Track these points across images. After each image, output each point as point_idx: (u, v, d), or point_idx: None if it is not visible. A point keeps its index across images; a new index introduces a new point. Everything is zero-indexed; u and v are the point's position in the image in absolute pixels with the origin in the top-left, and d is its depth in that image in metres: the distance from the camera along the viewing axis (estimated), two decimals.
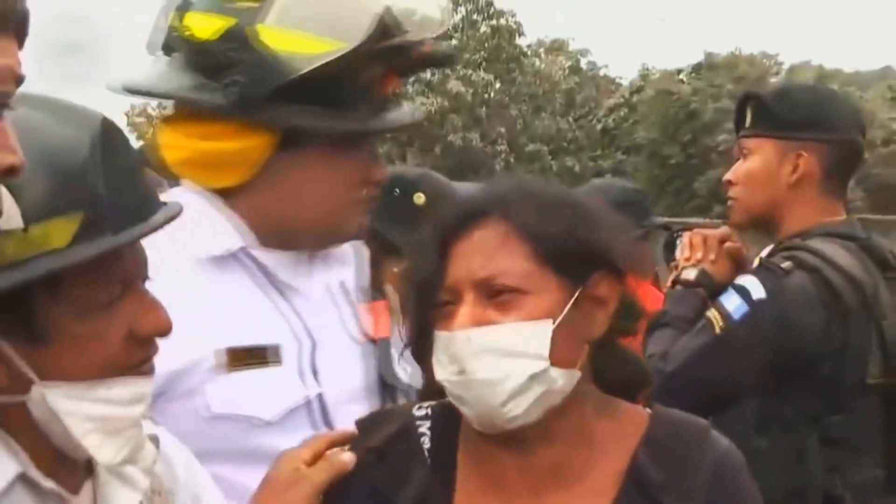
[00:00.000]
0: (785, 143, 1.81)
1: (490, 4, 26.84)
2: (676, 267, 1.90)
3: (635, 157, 29.09)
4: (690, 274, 1.84)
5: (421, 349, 0.98)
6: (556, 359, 0.90)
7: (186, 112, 1.27)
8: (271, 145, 1.21)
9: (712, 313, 1.73)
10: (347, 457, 0.98)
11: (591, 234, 0.93)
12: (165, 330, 0.91)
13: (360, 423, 1.03)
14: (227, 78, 1.17)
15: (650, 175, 27.06)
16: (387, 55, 1.21)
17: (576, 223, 0.93)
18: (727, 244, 1.86)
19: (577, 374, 0.92)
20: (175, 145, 1.27)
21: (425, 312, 0.95)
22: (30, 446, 0.86)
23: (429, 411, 1.02)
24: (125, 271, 0.89)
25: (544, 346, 0.90)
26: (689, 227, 2.07)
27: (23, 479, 0.86)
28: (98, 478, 0.93)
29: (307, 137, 1.22)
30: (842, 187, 1.88)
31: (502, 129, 26.04)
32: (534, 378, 0.89)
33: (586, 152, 28.96)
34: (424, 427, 1.00)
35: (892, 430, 1.74)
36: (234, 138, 1.21)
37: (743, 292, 1.72)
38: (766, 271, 1.74)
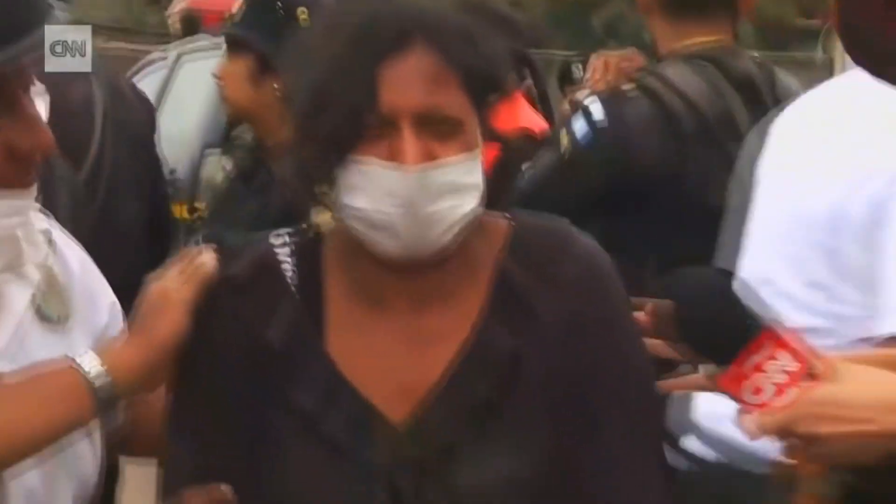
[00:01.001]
0: None
1: None
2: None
3: None
4: (581, 95, 1.87)
5: (326, 171, 0.93)
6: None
7: None
8: None
9: (563, 134, 1.80)
10: (207, 258, 0.97)
11: (497, 60, 0.95)
12: (46, 148, 0.95)
13: (218, 252, 1.00)
14: None
15: (546, 11, 26.81)
16: None
17: (485, 50, 0.93)
18: (626, 65, 1.85)
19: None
20: None
21: (345, 137, 0.90)
22: None
23: (287, 239, 1.01)
24: (12, 83, 0.92)
25: (480, 178, 0.94)
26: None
27: None
28: None
29: None
30: (702, 12, 1.81)
31: None
32: (472, 210, 0.93)
33: None
34: (284, 256, 1.00)
35: None
36: None
37: (587, 115, 1.76)
38: (610, 96, 1.77)
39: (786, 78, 1.89)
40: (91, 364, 0.96)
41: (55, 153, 1.01)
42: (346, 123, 0.90)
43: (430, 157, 0.90)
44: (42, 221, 1.07)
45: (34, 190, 0.98)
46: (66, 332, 1.06)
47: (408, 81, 0.90)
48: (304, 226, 1.02)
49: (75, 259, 1.10)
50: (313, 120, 0.92)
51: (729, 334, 0.81)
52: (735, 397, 0.82)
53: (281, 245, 1.01)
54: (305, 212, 1.02)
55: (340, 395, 0.95)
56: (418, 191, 0.90)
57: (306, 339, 0.97)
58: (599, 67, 1.88)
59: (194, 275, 0.98)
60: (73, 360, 0.96)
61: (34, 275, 1.02)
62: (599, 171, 1.76)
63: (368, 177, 0.91)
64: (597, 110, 1.76)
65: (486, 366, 0.96)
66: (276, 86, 1.42)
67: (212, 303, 0.97)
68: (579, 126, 1.77)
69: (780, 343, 0.80)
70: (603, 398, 0.96)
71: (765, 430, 0.81)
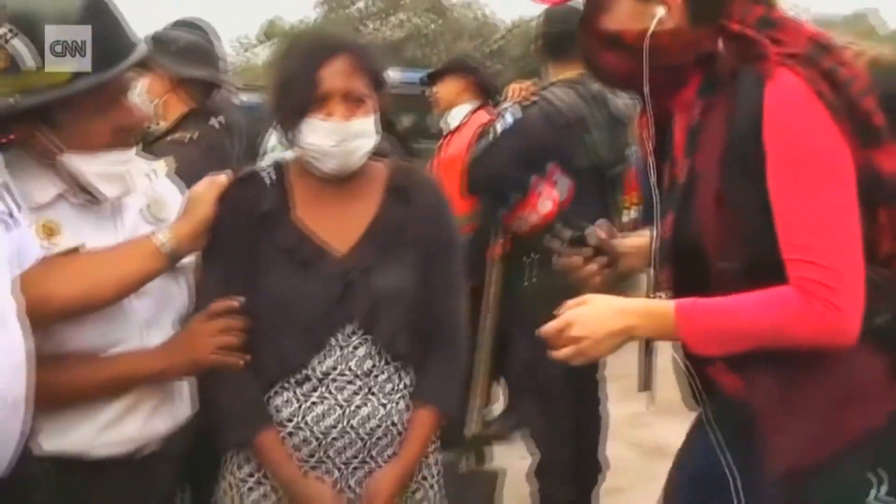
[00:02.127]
0: None
1: None
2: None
3: None
4: (503, 106, 3.14)
5: (292, 126, 1.56)
6: None
7: None
8: None
9: (492, 127, 2.86)
10: (222, 178, 1.61)
11: (380, 68, 1.61)
12: (139, 122, 1.60)
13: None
14: None
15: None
16: None
17: (375, 62, 1.61)
18: (527, 89, 3.12)
19: None
20: None
21: (302, 108, 1.52)
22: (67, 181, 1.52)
23: (265, 166, 1.69)
24: (116, 90, 1.51)
25: (374, 130, 1.58)
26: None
27: (61, 196, 1.52)
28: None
29: None
30: (568, 57, 2.78)
31: None
32: (370, 147, 1.58)
33: None
34: (264, 174, 1.64)
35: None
36: None
37: (506, 117, 2.85)
38: (520, 105, 2.88)
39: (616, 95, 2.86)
40: (160, 234, 1.53)
41: (140, 128, 1.64)
42: (304, 98, 1.52)
43: (349, 117, 1.53)
44: (146, 166, 1.69)
45: (133, 149, 1.58)
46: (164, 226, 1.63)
47: (336, 74, 1.52)
48: (273, 162, 1.70)
49: (168, 186, 1.72)
50: (287, 97, 1.55)
51: None
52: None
53: (262, 170, 1.67)
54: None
55: (305, 240, 1.58)
56: (343, 132, 1.53)
57: (282, 211, 1.59)
58: (514, 90, 3.22)
59: (216, 184, 1.60)
60: (150, 233, 1.55)
61: (140, 195, 1.63)
62: (511, 147, 2.81)
63: (318, 127, 1.52)
64: (513, 111, 2.85)
65: (388, 227, 1.61)
66: None
67: (226, 193, 1.59)
68: (501, 122, 2.84)
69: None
70: (442, 254, 1.65)
71: (545, 334, 1.35)
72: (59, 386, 1.42)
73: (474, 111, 3.76)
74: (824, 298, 1.21)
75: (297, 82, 1.53)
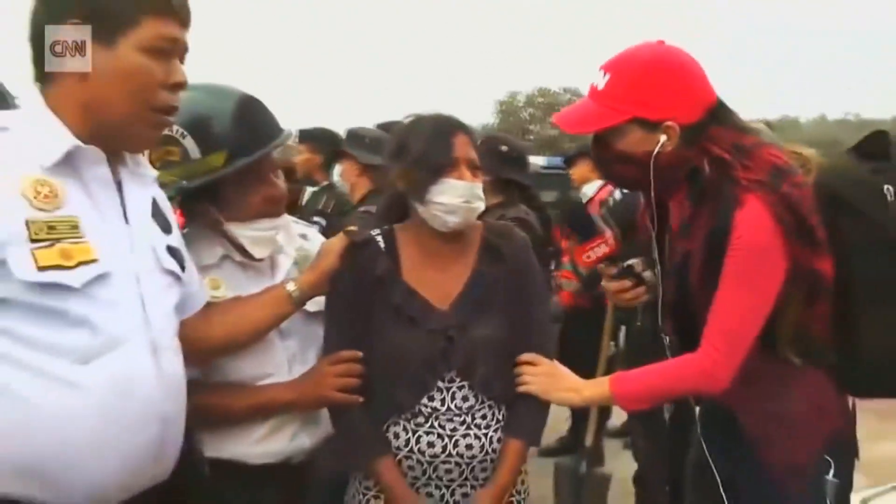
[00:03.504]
0: None
1: None
2: None
3: None
4: None
5: (425, 187, 1.79)
6: None
7: None
8: None
9: (611, 196, 3.28)
10: (345, 237, 1.84)
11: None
12: (282, 195, 1.89)
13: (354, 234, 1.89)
14: None
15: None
16: None
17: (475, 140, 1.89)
18: None
19: None
20: None
21: (439, 170, 1.77)
22: (228, 246, 1.86)
23: (379, 232, 1.90)
24: (262, 169, 1.83)
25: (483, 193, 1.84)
26: None
27: (226, 258, 1.87)
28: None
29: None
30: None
31: None
32: (483, 207, 1.83)
33: None
34: (379, 239, 1.87)
35: None
36: None
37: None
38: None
39: None
40: (289, 283, 1.79)
41: (285, 200, 1.93)
42: (441, 162, 1.78)
43: (473, 180, 1.80)
44: (300, 228, 2.04)
45: (284, 217, 1.91)
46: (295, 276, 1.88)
47: (462, 146, 1.80)
48: (385, 229, 1.91)
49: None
50: (423, 161, 1.78)
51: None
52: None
53: (376, 234, 1.89)
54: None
55: (413, 297, 1.81)
56: (470, 192, 1.78)
57: (393, 273, 1.83)
58: None
59: (341, 240, 1.83)
60: (282, 282, 1.81)
61: (292, 253, 1.94)
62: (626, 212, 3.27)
63: (451, 186, 1.77)
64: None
65: (483, 282, 1.84)
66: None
67: (348, 255, 1.82)
68: (617, 193, 3.23)
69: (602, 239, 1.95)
70: (532, 302, 1.88)
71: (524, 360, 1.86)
72: (218, 407, 1.80)
73: (603, 185, 4.35)
74: (712, 368, 1.68)
75: (434, 149, 1.78)
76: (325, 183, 4.18)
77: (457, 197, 1.77)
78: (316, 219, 3.88)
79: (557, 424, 5.24)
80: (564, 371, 1.87)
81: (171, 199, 1.70)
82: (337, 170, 3.85)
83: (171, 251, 1.53)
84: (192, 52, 1.49)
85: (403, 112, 1.89)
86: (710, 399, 1.85)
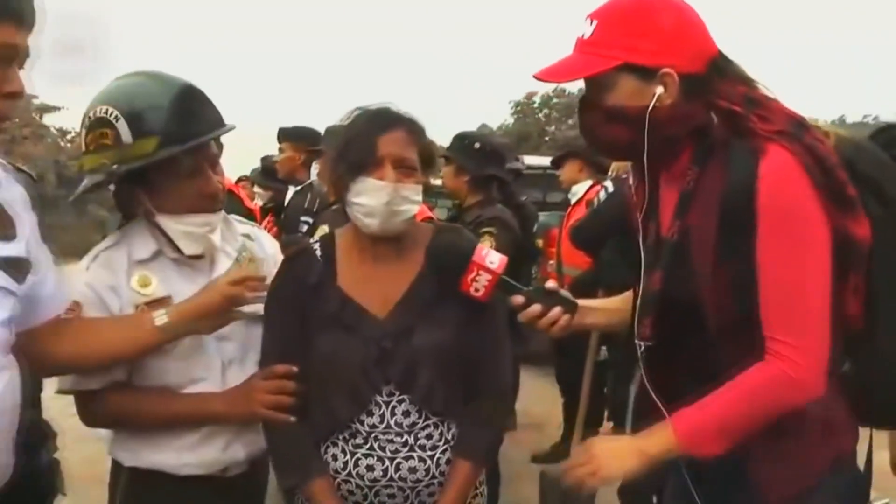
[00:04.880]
0: None
1: None
2: None
3: None
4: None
5: (346, 185, 1.68)
6: None
7: None
8: None
9: (597, 197, 3.90)
10: (244, 271, 1.80)
11: (432, 145, 1.75)
12: (217, 191, 1.78)
13: (283, 247, 1.83)
14: None
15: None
16: None
17: (426, 138, 1.73)
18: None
19: None
20: None
21: (358, 168, 1.65)
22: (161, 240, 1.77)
23: (316, 240, 1.83)
24: (197, 162, 1.74)
25: (420, 198, 1.70)
26: None
27: (160, 253, 1.78)
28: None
29: None
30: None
31: None
32: (414, 212, 1.69)
33: None
34: (315, 246, 1.78)
35: None
36: None
37: (606, 188, 3.85)
38: (616, 179, 3.77)
39: None
40: (161, 313, 1.65)
41: (224, 196, 1.82)
42: (361, 160, 1.65)
43: (399, 182, 1.65)
44: (243, 227, 1.95)
45: (220, 213, 1.81)
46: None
47: (391, 143, 1.66)
48: (323, 235, 1.85)
49: (270, 246, 1.97)
50: (346, 158, 1.67)
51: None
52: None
53: (314, 242, 1.82)
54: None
55: (348, 305, 1.69)
56: (391, 194, 1.64)
57: (328, 280, 1.72)
58: (618, 167, 3.87)
59: (236, 275, 1.72)
60: (152, 311, 1.67)
61: (232, 252, 1.86)
62: (611, 212, 3.37)
63: (370, 186, 1.65)
64: (609, 184, 3.73)
65: (425, 290, 1.70)
66: None
67: (281, 268, 1.76)
68: (602, 193, 3.71)
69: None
70: (483, 311, 1.70)
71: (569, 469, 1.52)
72: (140, 412, 1.72)
73: (591, 187, 4.54)
74: (793, 370, 1.37)
75: (356, 145, 1.67)
76: (308, 182, 4.10)
77: (376, 199, 1.65)
78: (304, 218, 3.81)
79: (551, 430, 5.14)
80: (608, 444, 1.54)
81: (102, 183, 1.71)
82: (314, 168, 3.77)
83: (8, 262, 1.41)
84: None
85: (417, 111, 1.76)
86: None
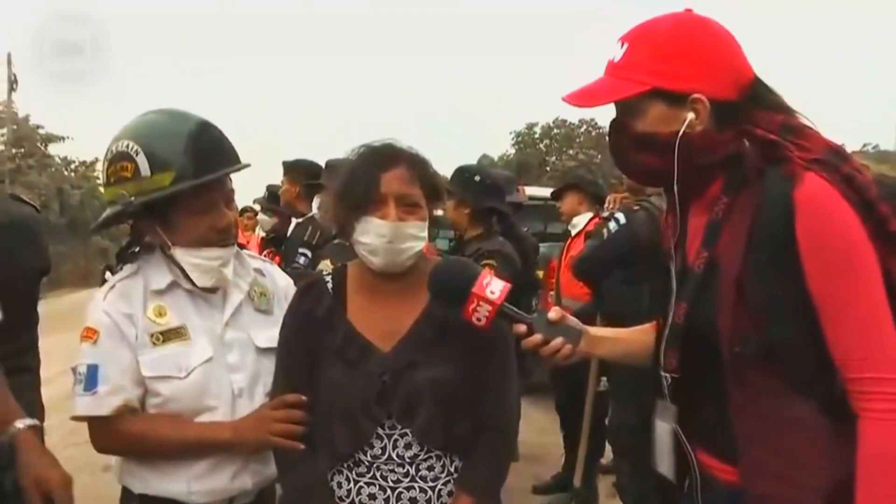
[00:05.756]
0: None
1: None
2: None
3: None
4: (606, 213, 4.04)
5: (350, 223, 1.71)
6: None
7: None
8: None
9: (606, 227, 3.61)
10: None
11: (437, 179, 1.78)
12: (229, 226, 1.84)
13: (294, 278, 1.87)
14: None
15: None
16: None
17: (432, 173, 1.77)
18: (623, 197, 4.01)
19: None
20: None
21: (361, 207, 1.68)
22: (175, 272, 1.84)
23: (329, 272, 1.86)
24: (211, 196, 1.80)
25: (425, 234, 1.73)
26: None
27: (175, 284, 1.85)
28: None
29: None
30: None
31: None
32: (419, 249, 1.72)
33: None
34: (327, 278, 1.82)
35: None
36: None
37: (616, 219, 3.53)
38: (626, 210, 3.57)
39: None
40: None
41: (237, 231, 1.88)
42: (364, 198, 1.68)
43: (402, 219, 1.68)
44: (256, 262, 2.02)
45: (233, 247, 1.87)
46: (270, 315, 1.93)
47: (394, 180, 1.68)
48: (336, 267, 1.91)
49: (281, 280, 2.03)
50: (348, 196, 1.70)
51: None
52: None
53: (326, 274, 1.86)
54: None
55: (354, 339, 1.72)
56: (394, 232, 1.67)
57: (337, 312, 1.75)
58: (614, 199, 4.08)
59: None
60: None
61: (244, 286, 1.92)
62: (621, 244, 3.41)
63: (372, 226, 1.68)
64: (620, 216, 3.49)
65: (431, 325, 1.72)
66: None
67: (294, 299, 1.81)
68: (612, 224, 3.49)
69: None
70: (488, 349, 1.71)
71: None
72: (151, 439, 1.77)
73: (591, 219, 4.66)
74: None
75: (359, 184, 1.69)
76: (309, 214, 4.17)
77: (379, 237, 1.68)
78: (301, 250, 3.87)
79: (553, 461, 5.14)
80: None
81: (121, 214, 1.79)
82: (316, 202, 3.85)
83: None
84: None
85: (420, 144, 1.78)
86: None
